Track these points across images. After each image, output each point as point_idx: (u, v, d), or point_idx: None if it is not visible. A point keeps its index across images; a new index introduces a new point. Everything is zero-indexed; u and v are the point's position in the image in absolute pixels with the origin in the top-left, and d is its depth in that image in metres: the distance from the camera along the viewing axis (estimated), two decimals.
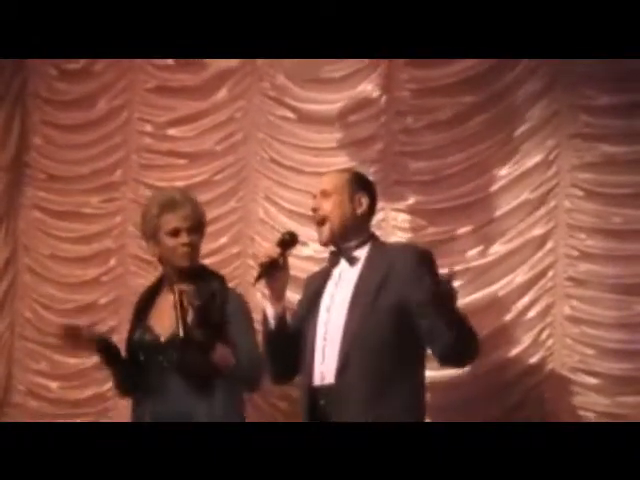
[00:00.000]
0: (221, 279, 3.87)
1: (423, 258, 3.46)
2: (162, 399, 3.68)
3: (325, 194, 3.61)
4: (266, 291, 4.72)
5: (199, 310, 3.59)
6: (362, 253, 3.54)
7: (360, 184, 3.62)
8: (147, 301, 3.91)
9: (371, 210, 3.63)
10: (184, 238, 3.73)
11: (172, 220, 3.74)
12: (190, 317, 3.59)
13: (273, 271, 3.47)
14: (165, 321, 3.73)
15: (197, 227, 3.78)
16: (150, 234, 3.80)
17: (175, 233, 3.74)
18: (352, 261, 3.54)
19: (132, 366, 3.77)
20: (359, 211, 3.56)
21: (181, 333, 3.53)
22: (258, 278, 3.49)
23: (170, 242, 3.74)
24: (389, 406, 3.31)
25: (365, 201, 3.57)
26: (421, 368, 3.52)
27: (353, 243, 3.55)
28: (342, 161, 4.80)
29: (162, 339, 3.74)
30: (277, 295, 3.51)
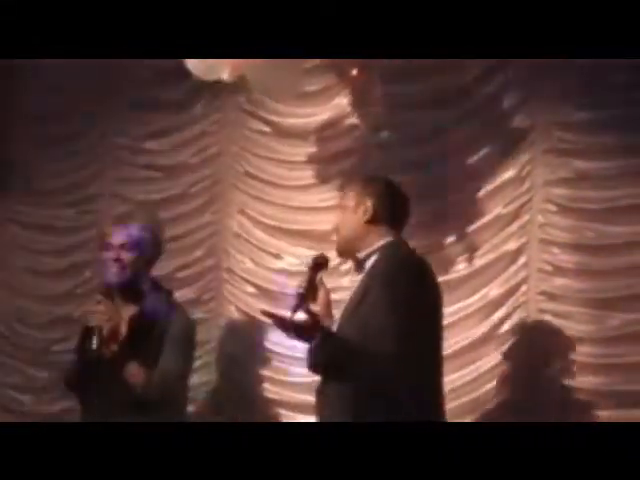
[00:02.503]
0: (168, 294, 3.89)
1: (393, 280, 3.34)
2: (97, 409, 3.71)
3: (339, 208, 3.59)
4: (240, 306, 4.85)
5: (109, 329, 3.65)
6: (370, 262, 3.45)
7: (367, 190, 3.51)
8: None
9: (380, 215, 3.46)
10: (111, 254, 3.78)
11: (109, 234, 3.83)
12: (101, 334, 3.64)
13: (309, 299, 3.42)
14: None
15: (133, 246, 3.80)
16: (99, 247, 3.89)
17: (106, 247, 3.81)
18: (359, 270, 3.49)
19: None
20: (364, 219, 3.46)
21: (94, 346, 3.61)
22: (295, 309, 3.36)
23: (103, 255, 3.82)
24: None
25: (371, 206, 3.45)
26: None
27: (365, 252, 3.46)
28: (317, 175, 4.81)
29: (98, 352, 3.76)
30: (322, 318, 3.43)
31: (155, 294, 3.86)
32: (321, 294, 3.46)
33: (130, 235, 3.81)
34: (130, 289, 3.78)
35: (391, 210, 3.51)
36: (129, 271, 3.79)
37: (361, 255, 3.46)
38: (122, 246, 3.79)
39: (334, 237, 3.58)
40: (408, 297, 3.27)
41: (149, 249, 3.86)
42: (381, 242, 3.45)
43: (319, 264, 3.50)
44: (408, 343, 3.22)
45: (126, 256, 3.79)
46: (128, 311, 3.75)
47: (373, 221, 3.46)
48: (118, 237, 3.81)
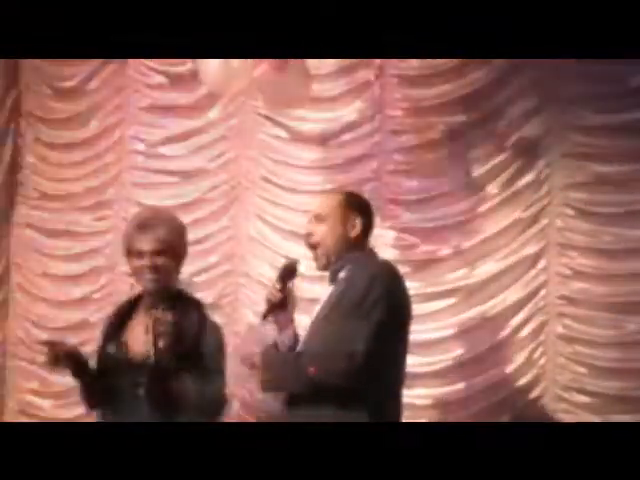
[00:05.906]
0: (199, 306, 3.83)
1: (369, 287, 3.31)
2: (128, 418, 3.66)
3: (319, 218, 3.51)
4: (257, 311, 4.82)
5: (171, 337, 3.58)
6: (343, 273, 3.43)
7: (354, 205, 3.52)
8: (124, 315, 3.87)
9: (366, 231, 3.51)
10: (146, 260, 3.69)
11: (139, 241, 3.71)
12: (162, 343, 3.57)
13: (279, 307, 3.47)
14: (140, 341, 3.70)
15: (166, 251, 3.73)
16: (125, 253, 3.80)
17: (139, 255, 3.71)
18: (333, 280, 3.46)
19: (101, 379, 3.75)
20: (352, 234, 3.46)
21: (152, 356, 3.53)
22: (265, 316, 3.49)
23: (135, 263, 3.72)
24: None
25: (359, 223, 3.47)
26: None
27: (340, 263, 3.44)
28: (335, 179, 4.81)
29: (135, 358, 3.71)
30: (284, 325, 3.50)
31: (188, 301, 3.81)
32: (290, 306, 3.48)
33: (160, 240, 3.72)
34: (164, 295, 3.72)
35: (371, 226, 3.55)
36: (163, 277, 3.72)
37: (336, 266, 3.46)
38: (154, 252, 3.71)
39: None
40: (380, 304, 3.26)
41: (178, 252, 3.79)
42: (356, 253, 3.46)
43: (290, 271, 3.50)
44: (377, 344, 3.21)
45: (159, 262, 3.71)
46: (165, 317, 3.67)
47: (358, 236, 3.48)
48: (148, 244, 3.72)
